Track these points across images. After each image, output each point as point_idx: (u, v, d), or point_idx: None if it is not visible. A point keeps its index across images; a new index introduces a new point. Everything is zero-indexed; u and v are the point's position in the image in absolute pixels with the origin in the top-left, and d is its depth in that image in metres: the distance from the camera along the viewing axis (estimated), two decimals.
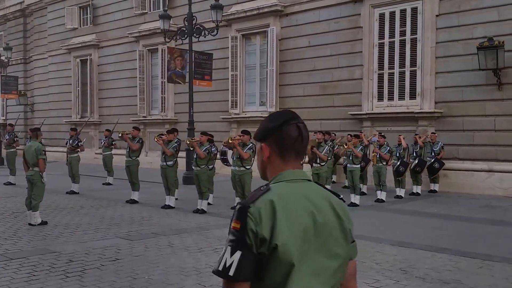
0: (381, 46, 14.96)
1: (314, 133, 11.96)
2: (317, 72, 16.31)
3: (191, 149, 11.46)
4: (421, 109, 14.13)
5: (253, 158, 10.13)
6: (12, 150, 16.10)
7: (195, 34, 15.78)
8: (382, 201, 11.84)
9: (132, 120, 20.92)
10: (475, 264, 6.46)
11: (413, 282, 5.67)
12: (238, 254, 1.60)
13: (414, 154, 13.02)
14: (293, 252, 1.62)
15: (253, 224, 1.62)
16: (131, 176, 11.85)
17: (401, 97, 14.62)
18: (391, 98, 14.81)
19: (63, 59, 25.65)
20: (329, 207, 1.76)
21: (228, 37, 18.24)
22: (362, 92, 15.25)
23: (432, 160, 13.16)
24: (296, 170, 1.80)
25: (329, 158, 11.41)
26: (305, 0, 16.53)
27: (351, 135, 13.21)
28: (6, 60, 25.71)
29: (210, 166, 10.78)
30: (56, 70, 26.19)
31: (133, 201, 11.61)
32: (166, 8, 17.87)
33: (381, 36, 14.94)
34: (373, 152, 12.46)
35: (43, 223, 8.95)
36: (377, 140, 12.46)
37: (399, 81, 14.65)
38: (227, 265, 1.61)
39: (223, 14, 16.46)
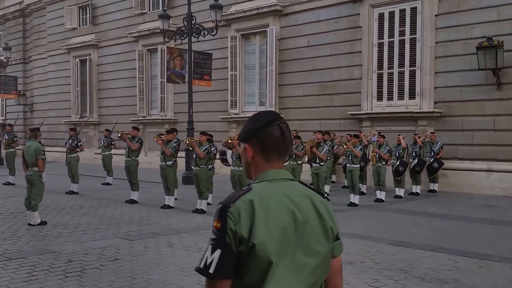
0: (381, 46, 14.97)
1: (314, 133, 11.98)
2: (317, 72, 16.32)
3: (191, 149, 11.46)
4: (420, 109, 14.13)
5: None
6: (12, 150, 16.10)
7: (194, 34, 15.78)
8: (381, 200, 11.85)
9: (132, 120, 20.92)
10: (474, 263, 6.47)
11: (412, 282, 5.68)
12: (218, 252, 1.66)
13: (414, 154, 13.02)
14: (271, 251, 1.66)
15: (232, 224, 1.67)
16: (131, 176, 11.85)
17: (401, 97, 14.63)
18: (390, 98, 14.82)
19: (62, 59, 25.65)
20: (311, 205, 1.79)
21: (227, 37, 18.24)
22: (362, 92, 15.26)
23: (432, 160, 13.17)
24: (279, 170, 1.84)
25: (328, 158, 11.42)
26: (304, 0, 16.54)
27: (350, 135, 13.21)
28: (6, 60, 25.72)
29: (210, 166, 10.78)
30: (55, 70, 26.18)
31: (133, 201, 11.61)
32: (165, 8, 17.87)
33: (381, 36, 14.95)
34: (372, 152, 12.46)
35: (43, 223, 8.95)
36: (377, 140, 12.47)
37: (398, 81, 14.66)
38: (208, 263, 1.66)
39: (223, 14, 16.46)
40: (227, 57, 18.27)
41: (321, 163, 10.83)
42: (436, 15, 13.90)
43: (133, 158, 11.96)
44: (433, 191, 13.41)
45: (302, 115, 16.64)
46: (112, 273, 5.97)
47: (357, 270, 6.12)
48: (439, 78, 13.92)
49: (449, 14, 13.70)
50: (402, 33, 14.55)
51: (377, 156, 12.07)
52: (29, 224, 8.87)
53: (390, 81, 14.79)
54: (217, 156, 11.27)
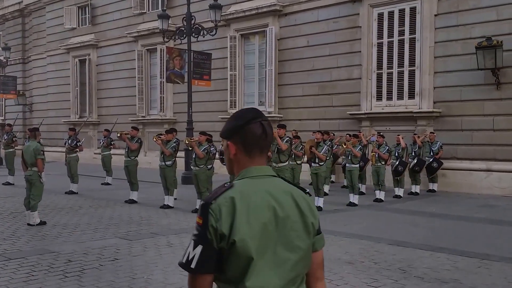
0: (380, 45, 14.97)
1: (313, 132, 11.96)
2: (316, 72, 16.32)
3: (190, 149, 11.46)
4: (419, 108, 14.14)
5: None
6: (11, 150, 16.09)
7: (193, 34, 15.78)
8: (381, 200, 11.85)
9: (131, 120, 20.91)
10: (473, 263, 6.47)
11: (411, 282, 5.68)
12: (199, 248, 1.70)
13: (413, 154, 13.03)
14: (252, 247, 1.70)
15: (213, 220, 1.71)
16: (130, 176, 11.85)
17: (400, 96, 14.63)
18: (389, 97, 14.82)
19: (61, 59, 25.63)
20: (292, 201, 1.83)
21: (226, 37, 18.24)
22: (361, 92, 15.26)
23: (431, 160, 13.18)
24: (261, 166, 1.88)
25: (327, 158, 11.41)
26: (303, 0, 16.54)
27: (350, 135, 13.21)
28: (5, 60, 25.71)
29: (209, 166, 10.77)
30: (54, 70, 26.17)
31: (132, 201, 11.61)
32: (164, 8, 17.86)
33: (380, 35, 14.95)
34: (372, 152, 12.47)
35: (42, 223, 8.95)
36: (376, 140, 12.48)
37: (397, 81, 14.66)
38: (190, 258, 1.71)
39: (222, 14, 16.46)
40: (227, 57, 18.27)
41: (320, 163, 10.82)
42: (435, 15, 13.91)
43: (133, 158, 11.96)
44: (433, 191, 13.42)
45: (302, 115, 16.65)
46: (111, 273, 5.97)
47: (357, 270, 6.12)
48: (439, 78, 13.93)
49: (448, 14, 13.71)
50: (401, 33, 14.56)
51: (376, 156, 12.08)
52: (28, 224, 8.87)
53: (390, 81, 14.80)
54: (217, 156, 11.27)
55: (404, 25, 14.50)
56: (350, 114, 15.43)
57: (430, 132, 13.65)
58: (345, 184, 13.16)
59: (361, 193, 12.44)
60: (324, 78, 16.16)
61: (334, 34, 15.91)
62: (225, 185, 1.80)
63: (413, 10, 14.32)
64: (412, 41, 14.35)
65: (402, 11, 14.55)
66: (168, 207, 10.90)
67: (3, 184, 15.04)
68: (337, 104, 15.84)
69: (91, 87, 24.00)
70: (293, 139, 11.67)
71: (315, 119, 16.19)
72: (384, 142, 12.25)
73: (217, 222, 1.70)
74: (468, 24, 13.37)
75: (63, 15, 25.11)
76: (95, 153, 22.58)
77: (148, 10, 21.59)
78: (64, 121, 24.59)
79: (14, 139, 16.19)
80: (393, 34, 14.70)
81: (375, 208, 11.06)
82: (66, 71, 25.31)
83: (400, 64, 14.59)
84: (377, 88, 15.06)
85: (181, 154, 13.29)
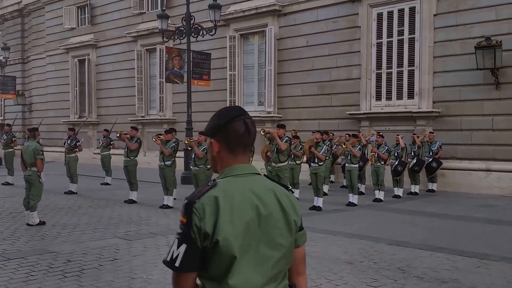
0: (379, 45, 14.97)
1: (312, 132, 11.97)
2: (315, 72, 16.32)
3: (189, 149, 11.46)
4: (419, 108, 14.14)
5: (251, 158, 10.09)
6: (10, 150, 16.08)
7: (193, 34, 15.78)
8: (380, 200, 11.86)
9: (130, 120, 20.90)
10: (473, 263, 6.47)
11: (411, 282, 5.68)
12: (183, 247, 1.72)
13: (412, 154, 13.03)
14: (235, 246, 1.72)
15: (197, 220, 1.72)
16: (129, 176, 11.85)
17: (399, 96, 14.64)
18: (389, 97, 14.83)
19: (61, 59, 25.62)
20: (274, 199, 1.84)
21: (226, 36, 18.24)
22: (360, 92, 15.26)
23: (430, 160, 13.18)
24: (244, 165, 1.90)
25: (327, 158, 11.41)
26: (303, 0, 16.54)
27: (349, 135, 13.21)
28: (4, 60, 25.70)
29: (208, 166, 10.76)
30: (54, 70, 26.16)
31: (131, 201, 11.60)
32: (164, 8, 17.86)
33: (379, 35, 14.96)
34: (371, 152, 12.47)
35: (41, 223, 8.94)
36: (375, 140, 12.48)
37: (397, 81, 14.67)
38: (174, 256, 1.73)
39: (221, 13, 16.46)
40: (226, 57, 18.27)
41: (319, 163, 10.83)
42: (434, 15, 13.91)
43: (132, 158, 11.95)
44: (432, 190, 13.42)
45: (301, 115, 16.65)
46: (111, 273, 5.97)
47: (356, 270, 6.12)
48: (438, 78, 13.93)
49: (447, 14, 13.72)
50: (400, 32, 14.56)
51: (376, 156, 12.08)
52: (28, 224, 8.86)
53: (389, 81, 14.80)
54: None
55: (403, 25, 14.51)
56: (350, 114, 15.43)
57: (430, 132, 13.66)
58: (345, 184, 13.15)
59: (361, 193, 12.44)
60: (323, 78, 16.16)
61: (333, 34, 15.92)
62: (209, 183, 1.82)
63: (412, 10, 14.33)
64: (411, 41, 14.36)
65: (401, 11, 14.55)
66: (167, 207, 10.89)
67: (2, 184, 15.03)
68: (337, 104, 15.85)
69: (91, 87, 23.99)
70: (293, 139, 11.67)
71: (315, 119, 16.20)
72: (384, 142, 12.26)
73: (200, 221, 1.72)
74: (467, 24, 13.38)
75: (62, 15, 25.11)
76: (94, 153, 22.58)
77: (148, 10, 21.59)
78: (64, 121, 24.59)
79: (13, 139, 16.18)
80: (392, 34, 14.70)
81: (375, 208, 11.06)
82: (65, 71, 25.30)
83: (400, 64, 14.59)
84: (376, 88, 15.06)
85: (180, 154, 13.29)
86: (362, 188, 13.10)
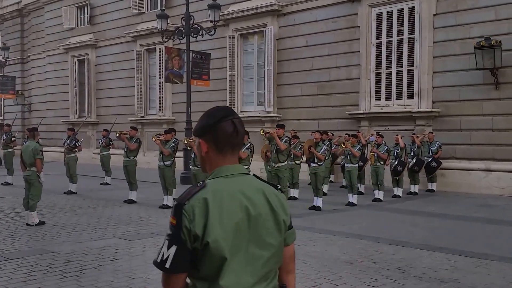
0: (379, 45, 14.97)
1: (312, 132, 11.97)
2: (315, 72, 16.32)
3: (189, 149, 11.46)
4: (418, 108, 14.15)
5: (250, 158, 10.14)
6: (10, 150, 16.08)
7: (192, 34, 15.77)
8: (379, 200, 11.86)
9: (130, 120, 20.90)
10: (472, 263, 6.48)
11: (410, 281, 5.68)
12: (173, 248, 1.73)
13: (412, 154, 13.04)
14: (225, 247, 1.73)
15: (187, 222, 1.73)
16: (129, 176, 11.84)
17: (399, 96, 14.64)
18: (388, 97, 14.83)
19: (60, 59, 25.61)
20: (264, 199, 1.86)
21: (225, 36, 18.23)
22: (360, 92, 15.27)
23: (430, 160, 13.19)
24: (233, 165, 1.90)
25: (326, 158, 11.42)
26: (302, 0, 16.54)
27: (348, 135, 13.21)
28: (4, 60, 25.70)
29: None
30: (53, 70, 26.16)
31: (131, 201, 11.60)
32: (163, 8, 17.86)
33: (379, 35, 14.96)
34: (371, 152, 12.47)
35: (41, 223, 8.94)
36: (375, 140, 12.48)
37: (396, 81, 14.67)
38: (164, 258, 1.74)
39: (221, 13, 16.46)
40: (225, 57, 18.27)
41: (319, 163, 10.83)
42: (434, 15, 13.92)
43: (132, 158, 11.95)
44: (431, 190, 13.43)
45: (300, 115, 16.65)
46: (110, 273, 5.97)
47: (356, 270, 6.12)
48: (437, 78, 13.94)
49: (447, 13, 13.72)
50: (400, 32, 14.57)
51: (375, 156, 12.09)
52: (27, 224, 8.86)
53: (388, 80, 14.80)
54: None
55: (402, 25, 14.51)
56: (349, 114, 15.43)
57: (429, 132, 13.66)
58: (344, 184, 13.16)
59: (360, 193, 12.43)
60: (323, 78, 16.17)
61: (332, 34, 15.92)
62: (198, 184, 1.82)
63: (411, 10, 14.33)
64: (411, 41, 14.36)
65: (400, 11, 14.56)
66: (167, 207, 10.89)
67: (2, 184, 15.03)
68: (336, 104, 15.85)
69: (90, 87, 23.98)
70: (292, 139, 11.67)
71: (314, 119, 16.20)
72: (383, 142, 12.26)
73: (190, 223, 1.72)
74: (467, 24, 13.38)
75: (61, 15, 25.10)
76: (94, 153, 22.57)
77: (147, 10, 21.58)
78: (63, 121, 24.58)
79: (13, 139, 16.19)
80: (391, 34, 14.71)
81: (374, 208, 11.07)
82: (65, 71, 25.30)
83: (399, 64, 14.59)
84: (376, 88, 15.06)
85: (180, 154, 13.29)
86: (361, 188, 13.10)
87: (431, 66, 13.98)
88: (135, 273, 5.96)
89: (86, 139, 22.47)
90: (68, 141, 13.81)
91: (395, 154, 12.61)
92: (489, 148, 13.12)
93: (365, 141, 13.35)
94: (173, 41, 17.94)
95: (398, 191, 12.53)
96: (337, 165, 14.92)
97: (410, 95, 14.41)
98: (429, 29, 13.94)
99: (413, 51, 14.29)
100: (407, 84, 14.46)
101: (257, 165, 14.23)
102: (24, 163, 9.11)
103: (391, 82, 14.75)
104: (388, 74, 14.81)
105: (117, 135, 12.10)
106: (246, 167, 10.09)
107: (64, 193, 13.09)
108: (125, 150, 11.98)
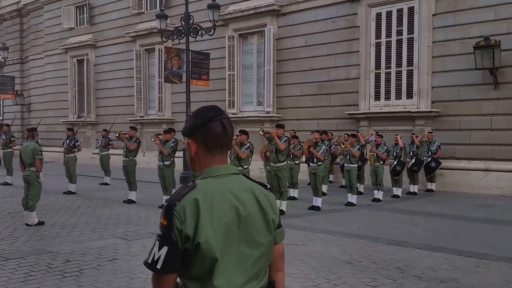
0: (378, 45, 14.98)
1: (311, 132, 11.97)
2: (314, 72, 16.33)
3: None
4: (418, 108, 14.15)
5: (250, 158, 10.14)
6: (9, 150, 16.09)
7: (192, 34, 15.76)
8: (379, 200, 11.86)
9: (129, 120, 20.89)
10: (471, 263, 6.48)
11: (410, 281, 5.69)
12: (165, 249, 1.74)
13: (411, 154, 13.04)
14: (216, 248, 1.74)
15: (178, 222, 1.74)
16: (128, 176, 11.84)
17: (398, 96, 14.65)
18: (388, 97, 14.84)
19: (59, 59, 25.60)
20: (253, 199, 1.87)
21: (225, 36, 18.23)
22: (359, 92, 15.27)
23: (429, 160, 13.19)
24: (223, 165, 1.92)
25: (326, 158, 11.42)
26: (301, 0, 16.55)
27: (348, 135, 13.21)
28: (3, 60, 25.68)
29: None
30: (52, 70, 26.14)
31: (130, 201, 11.60)
32: (162, 8, 17.84)
33: (378, 35, 14.96)
34: (370, 152, 12.48)
35: (40, 223, 8.94)
36: (374, 140, 12.48)
37: (396, 81, 14.67)
38: (155, 258, 1.75)
39: (220, 13, 16.45)
40: (225, 57, 18.27)
41: (318, 163, 10.83)
42: (433, 15, 13.92)
43: (131, 158, 11.95)
44: (431, 190, 13.43)
45: (300, 115, 16.65)
46: (110, 273, 5.97)
47: (355, 270, 6.12)
48: (437, 78, 13.94)
49: (446, 13, 13.73)
50: (399, 32, 14.57)
51: (375, 155, 12.09)
52: (26, 224, 8.86)
53: (388, 80, 14.80)
54: None
55: (402, 25, 14.51)
56: (348, 114, 15.44)
57: (428, 132, 13.67)
58: (343, 184, 13.16)
59: (359, 193, 12.44)
60: (322, 78, 16.17)
61: (332, 34, 15.92)
62: (188, 185, 1.83)
63: (411, 10, 14.33)
64: (410, 41, 14.36)
65: (400, 11, 14.56)
66: None
67: (1, 184, 15.03)
68: (336, 104, 15.85)
69: (89, 87, 23.97)
70: (291, 139, 11.67)
71: (314, 119, 16.20)
72: (383, 142, 12.27)
73: (182, 224, 1.73)
74: (466, 24, 13.39)
75: (61, 15, 25.09)
76: (93, 153, 22.56)
77: (146, 10, 21.58)
78: (62, 121, 24.57)
79: (12, 139, 16.19)
80: (391, 34, 14.71)
81: (373, 208, 11.07)
82: (64, 71, 25.28)
83: (398, 64, 14.60)
84: (375, 88, 15.07)
85: (179, 154, 13.28)
86: (361, 188, 13.11)
87: (430, 66, 13.99)
88: (135, 273, 5.96)
89: (86, 139, 22.46)
90: (67, 141, 13.81)
91: (395, 154, 12.61)
92: (488, 148, 13.13)
93: (364, 141, 13.35)
94: (173, 41, 17.93)
95: (397, 191, 12.54)
96: (337, 165, 14.92)
97: (410, 95, 14.42)
98: (429, 29, 13.95)
99: (413, 51, 14.30)
100: (407, 84, 14.46)
101: (257, 165, 14.23)
102: (23, 163, 9.11)
103: (390, 82, 14.76)
104: (388, 74, 14.82)
105: (117, 135, 12.10)
106: (246, 167, 10.11)
107: (64, 193, 13.09)
108: (125, 150, 11.98)
